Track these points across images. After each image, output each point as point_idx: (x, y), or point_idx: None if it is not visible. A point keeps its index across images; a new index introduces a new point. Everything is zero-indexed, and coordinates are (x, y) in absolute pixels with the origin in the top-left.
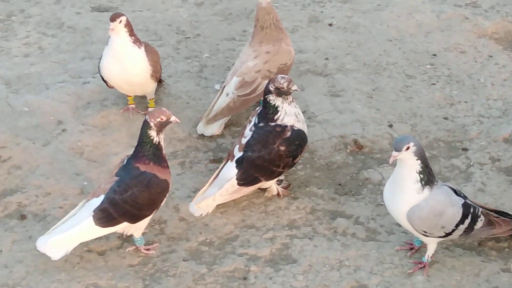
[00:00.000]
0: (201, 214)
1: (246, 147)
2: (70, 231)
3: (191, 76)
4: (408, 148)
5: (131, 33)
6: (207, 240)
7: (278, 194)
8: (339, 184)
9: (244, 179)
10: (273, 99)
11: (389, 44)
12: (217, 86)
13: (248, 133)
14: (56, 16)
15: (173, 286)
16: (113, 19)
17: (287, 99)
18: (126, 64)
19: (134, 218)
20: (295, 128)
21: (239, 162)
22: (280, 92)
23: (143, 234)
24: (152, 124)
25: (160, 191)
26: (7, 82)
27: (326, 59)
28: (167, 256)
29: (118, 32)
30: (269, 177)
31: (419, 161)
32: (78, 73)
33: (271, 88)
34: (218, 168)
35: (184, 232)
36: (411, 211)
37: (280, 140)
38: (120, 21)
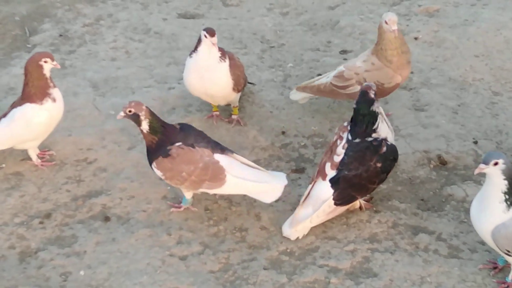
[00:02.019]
0: (297, 237)
1: (341, 166)
2: None
3: (275, 85)
4: (496, 164)
5: (219, 48)
6: (288, 250)
7: (360, 207)
8: (422, 199)
9: (342, 199)
10: (377, 105)
11: (475, 59)
12: None
13: (340, 151)
14: (143, 22)
15: None
16: (214, 33)
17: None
18: (208, 80)
19: None
20: (389, 143)
21: (334, 182)
22: (376, 96)
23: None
24: None
25: None
26: (95, 85)
27: (411, 73)
28: (248, 264)
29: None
30: (365, 194)
31: (505, 182)
32: (164, 79)
33: (372, 95)
34: (299, 177)
35: (265, 240)
36: (496, 229)
37: (377, 157)
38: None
